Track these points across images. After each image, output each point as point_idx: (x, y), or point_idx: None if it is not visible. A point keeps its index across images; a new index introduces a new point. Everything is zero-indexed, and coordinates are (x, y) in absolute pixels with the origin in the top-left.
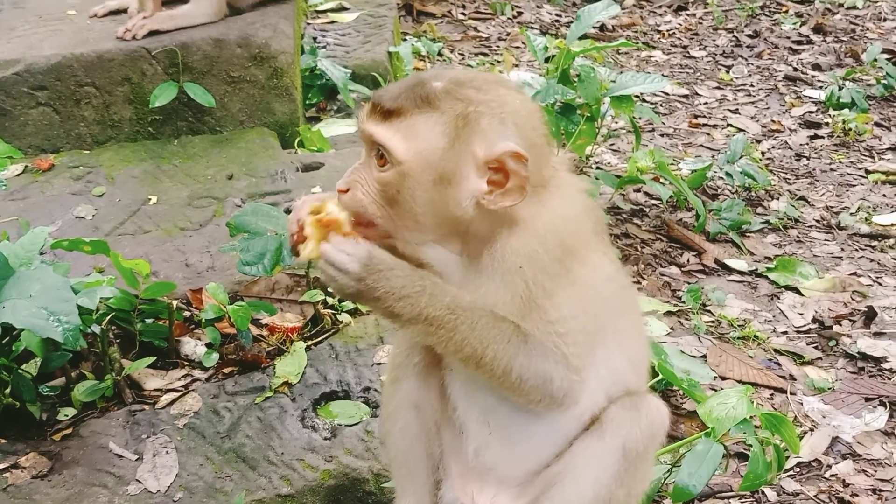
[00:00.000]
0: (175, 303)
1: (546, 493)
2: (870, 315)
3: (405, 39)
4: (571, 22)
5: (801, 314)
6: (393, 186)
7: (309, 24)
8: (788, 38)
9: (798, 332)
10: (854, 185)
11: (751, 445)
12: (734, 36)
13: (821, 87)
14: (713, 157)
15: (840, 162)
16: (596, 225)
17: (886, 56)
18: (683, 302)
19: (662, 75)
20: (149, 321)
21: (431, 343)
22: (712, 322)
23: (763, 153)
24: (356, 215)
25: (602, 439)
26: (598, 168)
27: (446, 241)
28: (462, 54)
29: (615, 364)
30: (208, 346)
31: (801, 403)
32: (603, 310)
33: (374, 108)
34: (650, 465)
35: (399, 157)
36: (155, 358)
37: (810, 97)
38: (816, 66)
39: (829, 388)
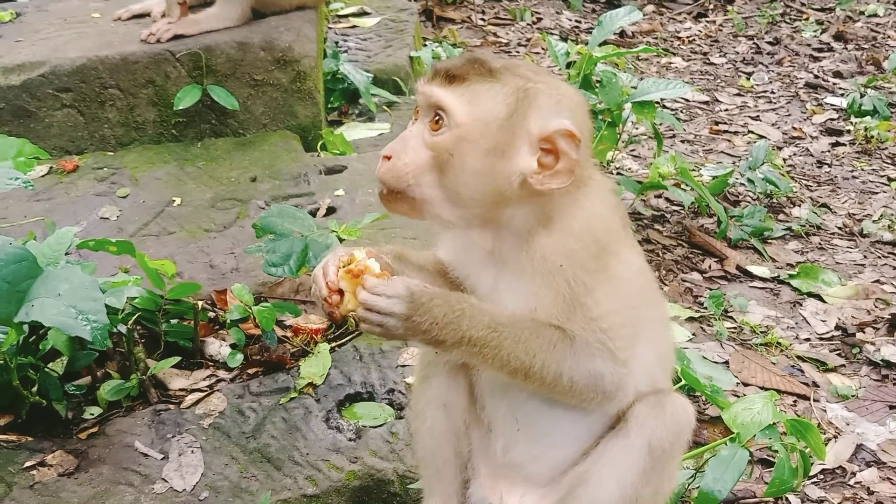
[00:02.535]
0: (200, 303)
1: (573, 493)
2: (893, 323)
3: (426, 44)
4: (591, 28)
5: (823, 321)
6: (446, 150)
7: (330, 28)
8: (809, 45)
9: (821, 339)
10: (876, 193)
11: (776, 451)
12: (754, 43)
13: (842, 95)
14: (734, 163)
15: (862, 169)
16: (623, 220)
17: None
18: (705, 308)
19: (683, 82)
20: (174, 321)
21: (478, 363)
22: (734, 328)
23: (784, 160)
24: (389, 187)
25: (627, 438)
26: (618, 174)
27: (479, 226)
28: None
29: (645, 357)
30: (233, 346)
31: (825, 410)
32: (638, 302)
33: (436, 73)
34: (677, 464)
35: (459, 119)
36: (180, 358)
37: (832, 104)
38: (837, 74)
39: (852, 396)
